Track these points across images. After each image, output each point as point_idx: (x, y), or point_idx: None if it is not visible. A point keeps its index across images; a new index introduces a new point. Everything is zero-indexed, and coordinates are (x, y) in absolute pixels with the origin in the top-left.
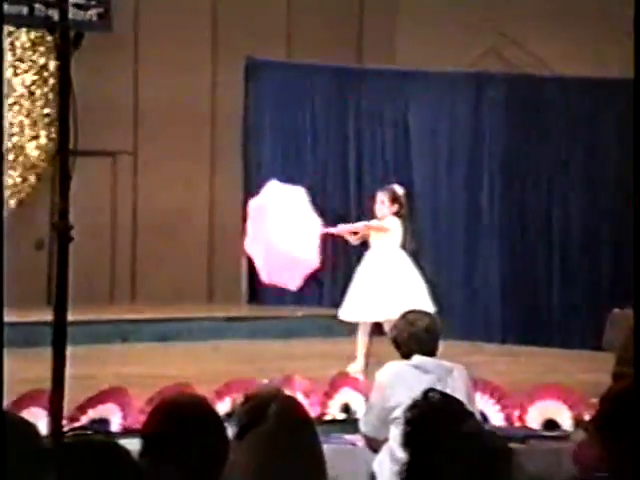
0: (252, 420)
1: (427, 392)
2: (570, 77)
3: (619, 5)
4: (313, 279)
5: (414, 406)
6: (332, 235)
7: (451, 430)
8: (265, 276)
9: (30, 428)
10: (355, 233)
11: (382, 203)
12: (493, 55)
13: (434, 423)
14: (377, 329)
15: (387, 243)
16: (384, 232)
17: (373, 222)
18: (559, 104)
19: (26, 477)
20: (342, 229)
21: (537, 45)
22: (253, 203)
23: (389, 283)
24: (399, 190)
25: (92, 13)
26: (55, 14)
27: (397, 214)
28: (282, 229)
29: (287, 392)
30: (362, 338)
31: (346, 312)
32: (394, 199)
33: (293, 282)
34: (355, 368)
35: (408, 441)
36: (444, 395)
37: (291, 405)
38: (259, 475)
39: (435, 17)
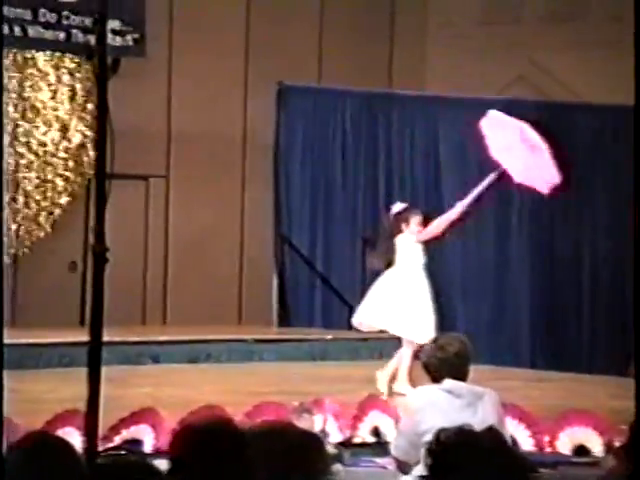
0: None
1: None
2: (597, 104)
3: None
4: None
5: (436, 444)
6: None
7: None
8: (518, 176)
9: (67, 447)
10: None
11: (420, 224)
12: (523, 82)
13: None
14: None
15: (413, 261)
16: (417, 245)
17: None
18: (586, 131)
19: None
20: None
21: (566, 72)
22: (485, 121)
23: (403, 297)
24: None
25: (128, 38)
26: (92, 40)
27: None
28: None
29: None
30: (405, 358)
31: (358, 318)
32: (422, 221)
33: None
34: (399, 388)
35: (431, 477)
36: (467, 430)
37: (305, 444)
38: None
39: (465, 43)
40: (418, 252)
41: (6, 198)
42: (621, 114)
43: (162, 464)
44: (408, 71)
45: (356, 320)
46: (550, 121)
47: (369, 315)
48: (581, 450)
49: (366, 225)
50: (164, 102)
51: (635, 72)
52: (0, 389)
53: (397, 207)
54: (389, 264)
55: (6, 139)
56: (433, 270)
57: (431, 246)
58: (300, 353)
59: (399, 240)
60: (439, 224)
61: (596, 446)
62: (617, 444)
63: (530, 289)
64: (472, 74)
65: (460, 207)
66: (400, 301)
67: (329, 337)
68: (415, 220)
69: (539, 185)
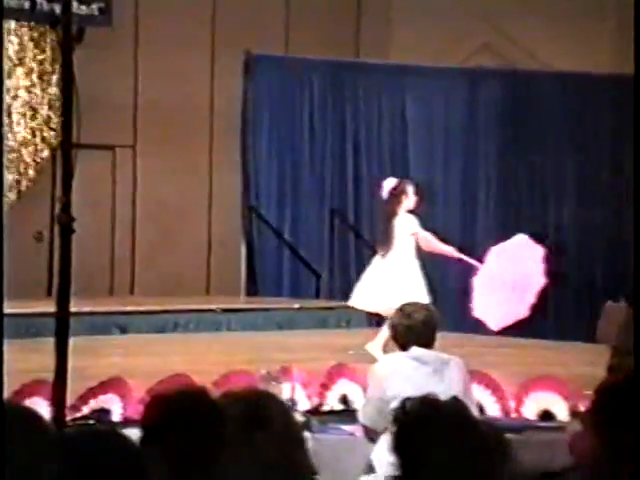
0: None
1: (404, 401)
2: (562, 72)
3: (614, 1)
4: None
5: (399, 411)
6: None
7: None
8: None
9: (35, 417)
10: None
11: (414, 194)
12: (487, 50)
13: (417, 429)
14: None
15: (404, 238)
16: (405, 219)
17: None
18: (551, 98)
19: (30, 465)
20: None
21: (530, 40)
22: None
23: (396, 275)
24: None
25: (93, 8)
26: (57, 9)
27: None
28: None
29: (277, 385)
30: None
31: (356, 300)
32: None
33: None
34: (372, 349)
35: (397, 448)
36: (431, 400)
37: (287, 412)
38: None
39: (430, 12)
40: (416, 228)
41: None
42: (586, 81)
43: (133, 433)
44: (375, 40)
45: (353, 303)
46: (515, 89)
47: (366, 299)
48: (546, 415)
49: (334, 194)
50: (130, 72)
51: (635, 63)
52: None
53: (389, 183)
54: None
55: None
56: None
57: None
58: (268, 322)
59: (397, 221)
60: (431, 246)
61: (561, 411)
62: (582, 409)
63: None
64: (437, 43)
65: (452, 253)
66: (395, 283)
67: (297, 306)
68: (412, 189)
69: (492, 321)
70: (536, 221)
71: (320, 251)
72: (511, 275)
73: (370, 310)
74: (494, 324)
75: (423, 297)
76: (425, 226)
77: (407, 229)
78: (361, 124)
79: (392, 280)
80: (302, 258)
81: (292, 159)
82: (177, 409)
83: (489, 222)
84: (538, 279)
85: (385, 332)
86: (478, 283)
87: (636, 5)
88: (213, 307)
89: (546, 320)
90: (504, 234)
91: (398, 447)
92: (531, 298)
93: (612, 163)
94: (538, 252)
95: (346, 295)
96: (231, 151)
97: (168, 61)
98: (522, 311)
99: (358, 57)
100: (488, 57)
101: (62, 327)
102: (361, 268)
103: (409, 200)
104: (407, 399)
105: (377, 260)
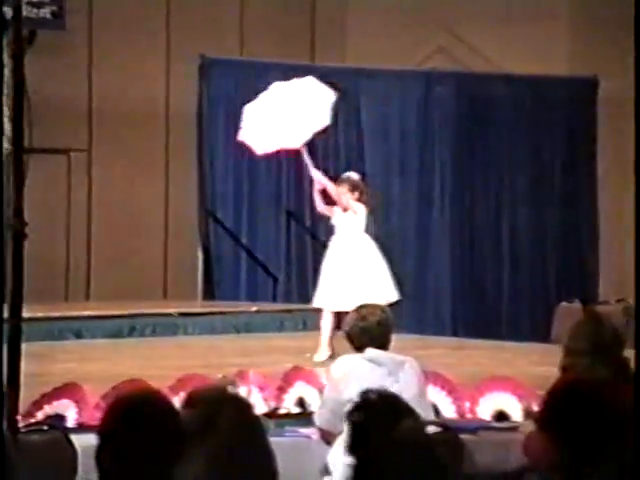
0: (203, 427)
1: (364, 394)
2: (517, 75)
3: (566, 4)
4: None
5: (354, 410)
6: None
7: (390, 430)
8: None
9: None
10: (324, 192)
11: (344, 194)
12: (442, 54)
13: (373, 427)
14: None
15: (353, 228)
16: (351, 214)
17: (338, 223)
18: (506, 101)
19: None
20: (319, 176)
21: (485, 44)
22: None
23: (358, 271)
24: (356, 177)
25: (46, 11)
26: (8, 12)
27: (359, 200)
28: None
29: (234, 389)
30: (325, 327)
31: (320, 300)
32: (354, 187)
33: (261, 147)
34: (320, 358)
35: (352, 448)
36: (381, 395)
37: (243, 410)
38: None
39: (385, 14)
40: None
41: None
42: (540, 83)
43: (86, 439)
44: (329, 43)
45: (317, 303)
46: (470, 92)
47: (328, 299)
48: (501, 416)
49: (290, 198)
50: (84, 76)
51: (635, 70)
52: None
53: (355, 175)
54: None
55: None
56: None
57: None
58: (225, 326)
59: (349, 214)
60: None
61: (515, 411)
62: (536, 409)
63: (451, 258)
64: (392, 46)
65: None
66: (352, 277)
67: (254, 309)
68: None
69: (257, 145)
70: (490, 223)
71: (277, 254)
72: (290, 107)
73: (343, 310)
74: (258, 148)
75: (391, 289)
76: (381, 228)
77: (355, 218)
78: None
79: (358, 276)
80: (259, 261)
81: (248, 163)
82: (133, 412)
83: (444, 224)
84: (322, 119)
85: (325, 332)
86: (250, 109)
87: (636, 5)
88: (170, 311)
89: (501, 321)
90: (459, 234)
91: (352, 447)
92: (308, 134)
93: (565, 164)
94: (328, 96)
95: (303, 297)
96: (187, 155)
97: (123, 64)
98: (293, 143)
99: (314, 59)
100: (443, 60)
101: (15, 333)
102: (318, 270)
103: (358, 194)
104: (364, 393)
105: (333, 256)
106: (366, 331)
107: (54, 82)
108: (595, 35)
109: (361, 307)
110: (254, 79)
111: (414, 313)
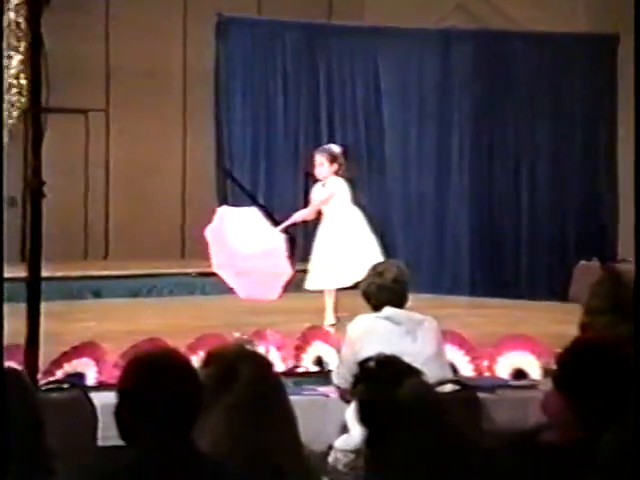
0: (223, 384)
1: (362, 364)
2: (536, 32)
3: None
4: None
5: (356, 383)
6: (294, 225)
7: (392, 394)
8: (242, 293)
9: (18, 377)
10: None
11: (321, 165)
12: (461, 11)
13: (376, 396)
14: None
15: (337, 205)
16: (329, 187)
17: (316, 198)
18: (526, 59)
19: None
20: (297, 217)
21: (504, 1)
22: (209, 229)
23: (348, 247)
24: (336, 149)
25: None
26: None
27: (337, 173)
28: (245, 248)
29: (252, 348)
30: (328, 296)
31: (312, 282)
32: (333, 159)
33: (272, 293)
34: (326, 324)
35: (362, 420)
36: (379, 362)
37: (262, 366)
38: (235, 442)
39: None
40: (343, 192)
41: None
42: (560, 42)
43: (105, 397)
44: (347, 1)
45: (309, 286)
46: (489, 50)
47: (320, 280)
48: (519, 374)
49: (308, 158)
50: (102, 35)
51: (635, 68)
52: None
53: (337, 148)
54: None
55: None
56: (375, 202)
57: (374, 179)
58: None
59: (330, 186)
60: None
61: (534, 370)
62: (554, 367)
63: (469, 217)
64: (411, 4)
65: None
66: (343, 254)
67: None
68: (340, 154)
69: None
70: (509, 181)
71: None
72: (255, 258)
73: (341, 286)
74: (243, 293)
75: (378, 254)
76: (399, 191)
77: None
78: (334, 86)
79: (350, 249)
80: (277, 222)
81: (266, 122)
82: (154, 370)
83: (463, 183)
84: (286, 271)
85: (329, 301)
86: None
87: (636, 5)
88: (188, 271)
89: (519, 280)
90: (478, 194)
91: (362, 419)
92: (278, 288)
93: (587, 123)
94: (279, 242)
95: None
96: (205, 114)
97: (139, 23)
98: (270, 295)
99: (331, 18)
100: (461, 18)
101: (34, 292)
102: None
103: (337, 166)
104: (362, 363)
105: (323, 235)
106: (382, 288)
107: (71, 42)
108: None
109: (377, 264)
110: (271, 38)
111: (432, 273)
